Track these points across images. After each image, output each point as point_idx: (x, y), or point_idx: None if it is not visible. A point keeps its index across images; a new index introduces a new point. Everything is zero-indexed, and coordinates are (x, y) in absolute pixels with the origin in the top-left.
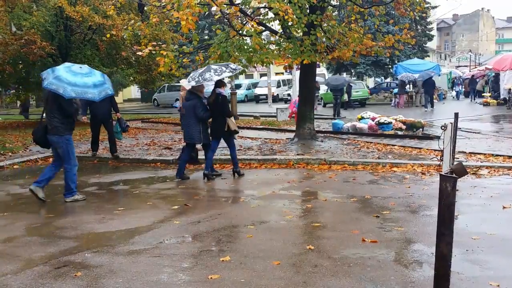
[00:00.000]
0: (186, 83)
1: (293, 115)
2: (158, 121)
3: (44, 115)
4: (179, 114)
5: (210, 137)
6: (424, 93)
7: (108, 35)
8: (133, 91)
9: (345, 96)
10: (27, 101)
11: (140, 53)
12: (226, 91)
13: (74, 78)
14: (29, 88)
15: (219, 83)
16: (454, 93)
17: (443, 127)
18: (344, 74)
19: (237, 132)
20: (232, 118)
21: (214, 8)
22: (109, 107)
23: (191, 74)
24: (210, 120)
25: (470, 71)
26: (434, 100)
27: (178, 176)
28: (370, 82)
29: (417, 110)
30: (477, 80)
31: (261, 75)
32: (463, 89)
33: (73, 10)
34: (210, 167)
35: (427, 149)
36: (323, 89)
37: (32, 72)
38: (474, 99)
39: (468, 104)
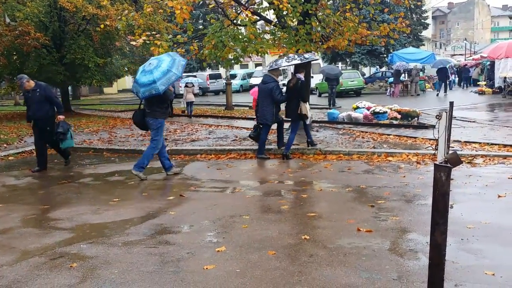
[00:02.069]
0: None
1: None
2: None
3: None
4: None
5: (286, 118)
6: (438, 80)
7: (102, 26)
8: (128, 81)
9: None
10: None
11: (134, 43)
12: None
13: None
14: None
15: (299, 69)
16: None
17: (438, 116)
18: (339, 64)
19: (308, 117)
20: (307, 104)
21: None
22: (49, 108)
23: (269, 62)
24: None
25: (465, 60)
26: (429, 89)
27: (259, 156)
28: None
29: (412, 99)
30: (470, 69)
31: (256, 65)
32: (456, 78)
33: (67, 1)
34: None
35: (422, 138)
36: (318, 78)
37: (27, 63)
38: (466, 87)
39: (462, 93)
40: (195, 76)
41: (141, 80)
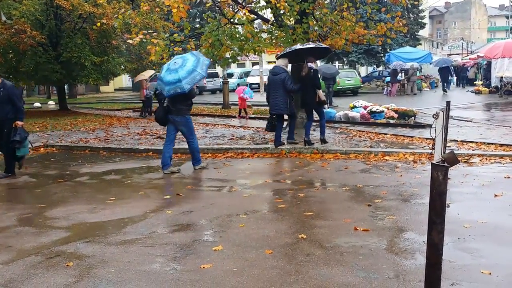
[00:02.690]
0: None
1: (242, 106)
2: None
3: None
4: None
5: (299, 108)
6: (441, 78)
7: (98, 24)
8: (124, 80)
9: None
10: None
11: (130, 41)
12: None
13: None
14: (20, 77)
15: (310, 59)
16: None
17: (434, 116)
18: (336, 63)
19: (326, 102)
20: (320, 91)
21: None
22: (10, 109)
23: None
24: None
25: (462, 59)
26: (426, 89)
27: (277, 144)
28: (362, 70)
29: (409, 98)
30: (468, 68)
31: (253, 64)
32: (454, 77)
33: None
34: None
35: (419, 137)
36: None
37: (23, 61)
38: (463, 87)
39: (459, 92)
40: None
41: (166, 78)
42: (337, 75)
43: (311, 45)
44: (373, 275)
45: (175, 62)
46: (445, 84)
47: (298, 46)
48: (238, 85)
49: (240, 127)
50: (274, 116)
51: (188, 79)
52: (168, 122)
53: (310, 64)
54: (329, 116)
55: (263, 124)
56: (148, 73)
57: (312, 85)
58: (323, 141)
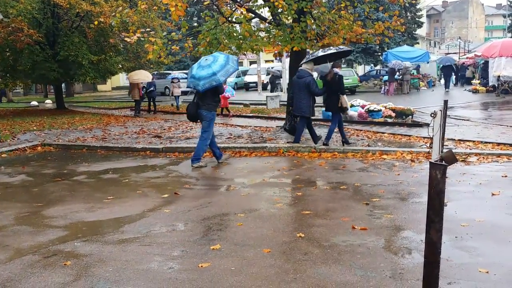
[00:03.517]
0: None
1: (224, 105)
2: (147, 109)
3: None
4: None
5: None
6: (443, 76)
7: (96, 22)
8: (122, 78)
9: None
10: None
11: (128, 40)
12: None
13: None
14: (17, 76)
15: (336, 64)
16: (443, 80)
17: (432, 115)
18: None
19: (347, 109)
20: (345, 96)
21: None
22: None
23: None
24: None
25: (459, 59)
26: (423, 88)
27: (295, 142)
28: (360, 69)
29: (407, 97)
30: (468, 67)
31: (251, 63)
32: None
33: None
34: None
35: (416, 136)
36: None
37: (20, 60)
38: (463, 85)
39: (457, 91)
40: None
41: (199, 74)
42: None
43: (332, 50)
44: (371, 273)
45: (206, 59)
46: (447, 82)
47: (320, 52)
48: (236, 83)
49: (238, 126)
50: (296, 118)
51: (222, 72)
52: (200, 118)
53: (336, 70)
54: (327, 115)
55: (260, 123)
56: (145, 75)
57: (336, 89)
58: (346, 142)
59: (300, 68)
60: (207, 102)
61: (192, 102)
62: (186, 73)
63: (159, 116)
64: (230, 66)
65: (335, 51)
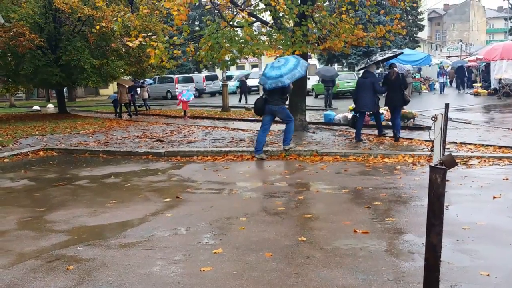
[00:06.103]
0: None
1: (181, 105)
2: (149, 113)
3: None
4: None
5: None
6: (456, 78)
7: (97, 27)
8: None
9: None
10: None
11: (130, 44)
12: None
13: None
14: (19, 80)
15: (394, 65)
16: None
17: (433, 118)
18: (336, 65)
19: (408, 102)
20: (406, 91)
21: None
22: None
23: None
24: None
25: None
26: (425, 91)
27: (357, 140)
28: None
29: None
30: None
31: (253, 66)
32: (448, 79)
33: (62, 2)
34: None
35: (418, 139)
36: (314, 80)
37: (22, 64)
38: (464, 89)
39: (458, 94)
40: (191, 78)
41: (269, 74)
42: (337, 78)
43: (389, 54)
44: (373, 277)
45: (278, 61)
46: (460, 84)
47: (379, 57)
48: (237, 87)
49: (240, 129)
50: (357, 114)
51: (289, 75)
52: (265, 112)
53: (396, 69)
54: (329, 118)
55: None
56: (127, 82)
57: (400, 85)
58: (396, 137)
59: (364, 70)
60: (275, 98)
61: (261, 97)
62: (165, 78)
63: (161, 120)
64: (297, 71)
65: (392, 54)
